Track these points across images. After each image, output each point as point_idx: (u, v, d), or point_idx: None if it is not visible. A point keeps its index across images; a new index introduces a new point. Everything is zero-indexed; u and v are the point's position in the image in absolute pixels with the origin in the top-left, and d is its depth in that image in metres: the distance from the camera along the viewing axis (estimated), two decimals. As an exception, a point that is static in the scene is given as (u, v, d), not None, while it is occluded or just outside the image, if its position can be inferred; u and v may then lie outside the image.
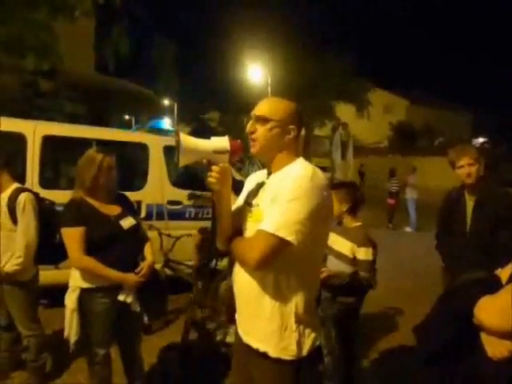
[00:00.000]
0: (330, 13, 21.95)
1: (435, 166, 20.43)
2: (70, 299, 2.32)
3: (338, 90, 21.23)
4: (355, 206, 2.70)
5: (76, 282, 2.33)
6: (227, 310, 3.50)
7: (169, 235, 4.05)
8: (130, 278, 2.38)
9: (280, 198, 1.41)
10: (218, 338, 3.32)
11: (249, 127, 1.56)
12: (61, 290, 4.12)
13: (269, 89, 18.81)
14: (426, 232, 10.16)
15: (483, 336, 1.21)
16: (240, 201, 1.71)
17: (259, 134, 1.54)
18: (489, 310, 1.20)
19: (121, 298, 2.36)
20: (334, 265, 2.65)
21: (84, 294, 2.31)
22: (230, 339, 3.38)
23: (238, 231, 1.61)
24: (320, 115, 22.02)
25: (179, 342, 3.21)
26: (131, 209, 2.62)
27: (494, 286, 1.28)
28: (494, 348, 1.17)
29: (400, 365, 3.36)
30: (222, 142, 1.48)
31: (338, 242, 2.66)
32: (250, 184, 1.72)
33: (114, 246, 2.35)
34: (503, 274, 1.34)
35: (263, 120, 1.53)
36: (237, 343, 1.70)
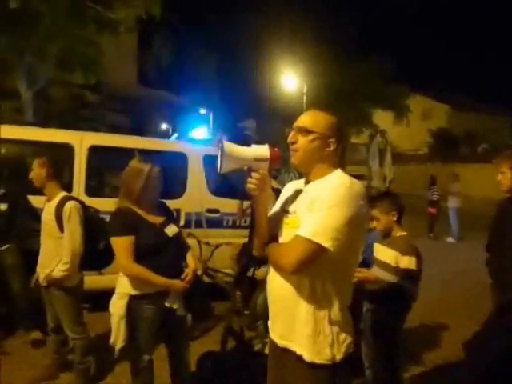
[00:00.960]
0: (365, 18, 21.68)
1: (478, 173, 19.61)
2: (118, 306, 2.36)
3: (375, 96, 20.89)
4: (400, 215, 2.66)
5: (124, 289, 2.37)
6: (265, 321, 3.50)
7: (207, 243, 4.10)
8: (177, 284, 2.44)
9: (318, 205, 1.46)
10: (256, 347, 3.32)
11: (290, 137, 1.61)
12: (103, 294, 4.29)
13: (304, 97, 18.79)
14: (468, 242, 9.78)
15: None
16: (277, 208, 1.74)
17: (300, 144, 1.59)
18: None
19: (168, 304, 2.42)
20: (378, 275, 2.62)
21: (132, 300, 2.35)
22: (268, 350, 3.37)
23: (275, 237, 1.65)
24: (357, 122, 21.74)
25: (217, 349, 3.22)
26: (172, 217, 2.69)
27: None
28: None
29: (446, 380, 3.24)
30: (262, 150, 1.53)
31: (383, 252, 2.63)
32: (287, 192, 1.75)
33: (161, 253, 2.40)
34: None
35: (305, 131, 1.58)
36: (271, 349, 1.73)
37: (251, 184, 1.54)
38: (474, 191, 16.68)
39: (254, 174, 1.53)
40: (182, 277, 2.48)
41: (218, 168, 1.52)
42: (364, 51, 20.51)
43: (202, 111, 30.84)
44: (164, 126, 25.18)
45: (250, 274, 3.88)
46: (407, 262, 2.49)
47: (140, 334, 2.39)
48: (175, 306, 2.44)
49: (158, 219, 2.49)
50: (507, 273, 2.44)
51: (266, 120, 23.78)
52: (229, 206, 4.75)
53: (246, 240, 3.71)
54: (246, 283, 3.77)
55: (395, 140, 23.81)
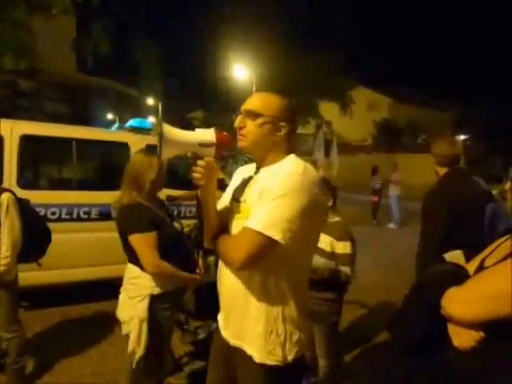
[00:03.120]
0: (314, 11, 22.03)
1: (418, 163, 20.67)
2: (140, 308, 2.18)
3: (321, 88, 21.33)
4: (334, 200, 2.73)
5: (145, 289, 2.20)
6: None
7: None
8: (197, 278, 2.36)
9: (269, 194, 1.35)
10: (200, 336, 3.31)
11: (238, 122, 1.49)
12: (41, 291, 4.11)
13: (253, 87, 18.81)
14: (409, 228, 10.30)
15: (450, 327, 1.23)
16: (226, 196, 1.63)
17: (248, 129, 1.46)
18: (455, 301, 1.22)
19: (186, 297, 2.41)
20: (314, 261, 2.66)
21: (154, 300, 2.20)
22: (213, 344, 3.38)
23: (225, 228, 1.53)
24: (303, 113, 22.10)
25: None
26: (169, 212, 2.54)
27: (462, 277, 1.30)
28: (461, 338, 1.18)
29: (382, 358, 3.39)
30: (207, 135, 1.40)
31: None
32: (236, 179, 1.64)
33: (179, 248, 2.30)
34: (470, 266, 1.37)
35: (253, 115, 1.45)
36: (219, 344, 1.62)
37: (197, 173, 1.40)
38: (415, 180, 17.54)
39: (199, 162, 1.39)
40: (198, 271, 2.40)
41: (158, 154, 1.35)
42: (311, 43, 20.86)
43: (150, 101, 30.07)
44: (110, 116, 24.34)
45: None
46: (342, 248, 2.57)
47: (164, 333, 2.27)
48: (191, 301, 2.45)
49: (164, 214, 2.35)
50: (425, 252, 2.63)
51: (215, 111, 23.65)
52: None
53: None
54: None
55: (342, 131, 24.56)
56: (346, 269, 2.57)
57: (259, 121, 1.45)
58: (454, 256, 2.42)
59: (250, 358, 1.45)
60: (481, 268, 1.28)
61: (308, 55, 20.64)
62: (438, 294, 1.27)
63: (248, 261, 1.33)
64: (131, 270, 2.26)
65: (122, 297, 2.31)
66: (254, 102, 1.48)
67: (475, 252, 1.43)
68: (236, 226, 1.48)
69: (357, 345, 3.74)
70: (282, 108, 1.48)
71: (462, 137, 27.21)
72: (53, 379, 3.05)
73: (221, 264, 1.57)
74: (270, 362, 1.42)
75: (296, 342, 1.45)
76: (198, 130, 1.42)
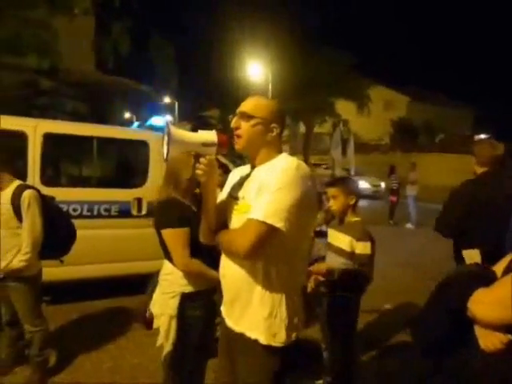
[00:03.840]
0: (330, 9, 21.89)
1: (435, 162, 20.43)
2: (170, 306, 2.20)
3: (338, 86, 21.19)
4: (356, 201, 2.68)
5: (177, 287, 2.22)
6: None
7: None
8: None
9: (267, 188, 1.47)
10: (219, 333, 3.33)
11: (233, 123, 1.62)
12: (63, 286, 4.19)
13: (269, 86, 18.79)
14: (426, 228, 10.18)
15: (476, 328, 1.22)
16: (224, 194, 1.74)
17: (243, 130, 1.59)
18: (482, 303, 1.21)
19: (216, 297, 2.29)
20: (333, 261, 2.66)
21: (185, 299, 2.20)
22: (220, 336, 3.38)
23: (223, 224, 1.66)
24: (320, 112, 21.99)
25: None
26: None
27: (488, 279, 1.29)
28: (487, 340, 1.18)
29: (400, 362, 3.37)
30: (209, 136, 1.53)
31: (338, 238, 2.66)
32: (233, 177, 1.76)
33: (212, 246, 2.29)
34: (498, 267, 1.36)
35: (247, 117, 1.59)
36: (224, 334, 1.74)
37: (199, 170, 1.54)
38: (432, 179, 17.32)
39: (201, 160, 1.53)
40: None
41: (165, 153, 1.49)
42: (328, 43, 20.76)
43: (167, 99, 30.36)
44: (127, 115, 24.62)
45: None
46: (362, 248, 2.53)
47: (195, 332, 2.24)
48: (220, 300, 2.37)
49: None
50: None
51: (230, 109, 23.66)
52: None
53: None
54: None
55: (359, 130, 24.36)
56: (364, 269, 2.55)
57: (252, 122, 1.58)
58: (471, 254, 2.42)
59: (254, 341, 1.55)
60: (509, 270, 1.27)
61: (324, 54, 20.53)
62: (459, 295, 1.27)
63: (252, 249, 1.44)
64: (166, 266, 2.29)
65: (156, 291, 2.35)
66: (248, 105, 1.62)
67: (492, 253, 1.42)
68: (235, 222, 1.60)
69: (373, 345, 3.71)
70: (273, 110, 1.63)
71: (483, 136, 26.74)
72: (72, 374, 3.08)
73: (222, 256, 1.69)
74: (275, 343, 1.53)
75: (295, 326, 1.58)
76: (200, 132, 1.55)
